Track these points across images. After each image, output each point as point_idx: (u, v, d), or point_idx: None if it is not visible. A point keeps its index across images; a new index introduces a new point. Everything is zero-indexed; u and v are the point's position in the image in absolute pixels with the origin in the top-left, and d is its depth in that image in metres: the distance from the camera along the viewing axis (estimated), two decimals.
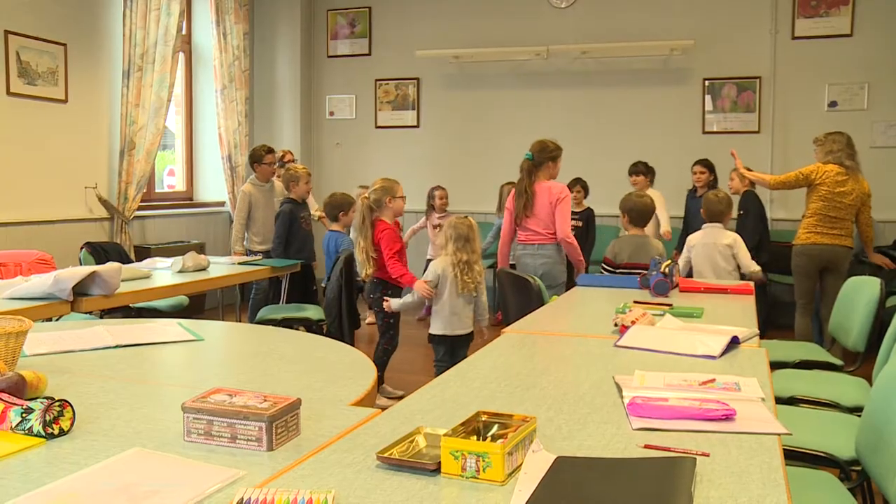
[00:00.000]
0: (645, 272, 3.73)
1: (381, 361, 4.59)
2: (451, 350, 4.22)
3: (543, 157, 4.68)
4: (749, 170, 5.74)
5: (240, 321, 5.59)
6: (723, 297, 3.62)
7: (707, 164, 6.44)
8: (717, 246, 4.64)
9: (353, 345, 2.96)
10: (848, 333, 3.46)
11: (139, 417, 1.65)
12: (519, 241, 4.73)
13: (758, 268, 4.63)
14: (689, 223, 6.16)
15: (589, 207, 6.84)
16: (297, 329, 4.76)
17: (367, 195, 4.67)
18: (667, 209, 6.25)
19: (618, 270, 4.45)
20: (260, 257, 5.54)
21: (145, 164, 6.58)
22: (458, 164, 7.91)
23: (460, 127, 8.01)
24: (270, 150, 6.11)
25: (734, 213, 5.44)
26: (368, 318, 6.49)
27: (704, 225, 4.81)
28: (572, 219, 6.09)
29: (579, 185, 6.83)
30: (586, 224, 6.70)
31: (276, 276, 5.36)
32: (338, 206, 5.24)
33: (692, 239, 4.79)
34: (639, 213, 4.58)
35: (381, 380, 4.55)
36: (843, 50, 6.93)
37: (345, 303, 4.59)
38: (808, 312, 5.31)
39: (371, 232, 4.57)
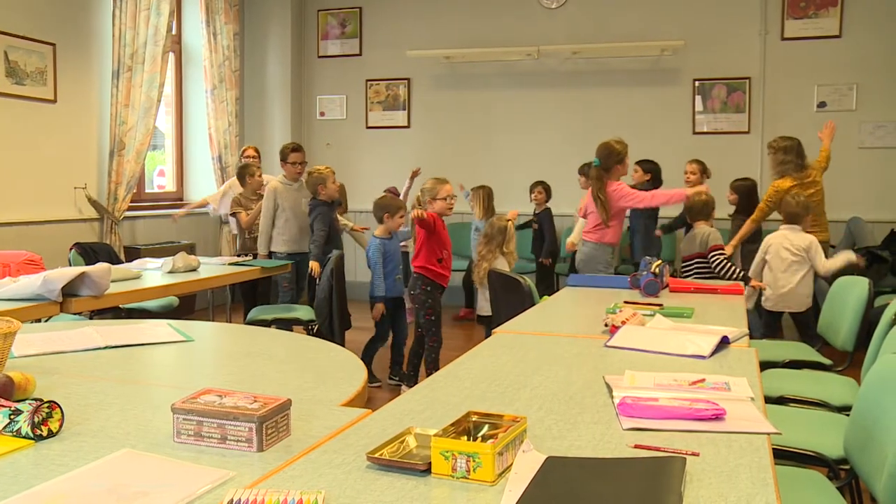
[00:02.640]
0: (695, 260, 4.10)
1: (432, 360, 4.69)
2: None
3: (611, 162, 4.70)
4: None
5: (230, 321, 5.58)
6: (713, 297, 3.63)
7: (645, 165, 6.51)
8: (793, 248, 4.77)
9: (343, 345, 2.96)
10: (837, 333, 3.48)
11: (129, 418, 1.64)
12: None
13: (833, 268, 4.74)
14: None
15: (548, 208, 6.95)
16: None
17: (418, 195, 4.99)
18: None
19: (683, 264, 4.80)
20: (250, 257, 5.52)
21: (135, 164, 6.56)
22: (449, 165, 7.89)
23: (451, 127, 8.02)
24: (297, 148, 5.82)
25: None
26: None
27: (782, 227, 4.94)
28: (532, 220, 6.47)
29: (541, 187, 6.97)
30: (541, 225, 6.93)
31: (272, 276, 5.33)
32: (384, 208, 4.98)
33: (770, 239, 4.92)
34: (689, 209, 4.96)
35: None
36: (831, 51, 6.96)
37: (335, 303, 4.59)
38: None
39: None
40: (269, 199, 5.63)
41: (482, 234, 4.73)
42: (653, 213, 6.31)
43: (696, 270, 4.79)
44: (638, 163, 6.52)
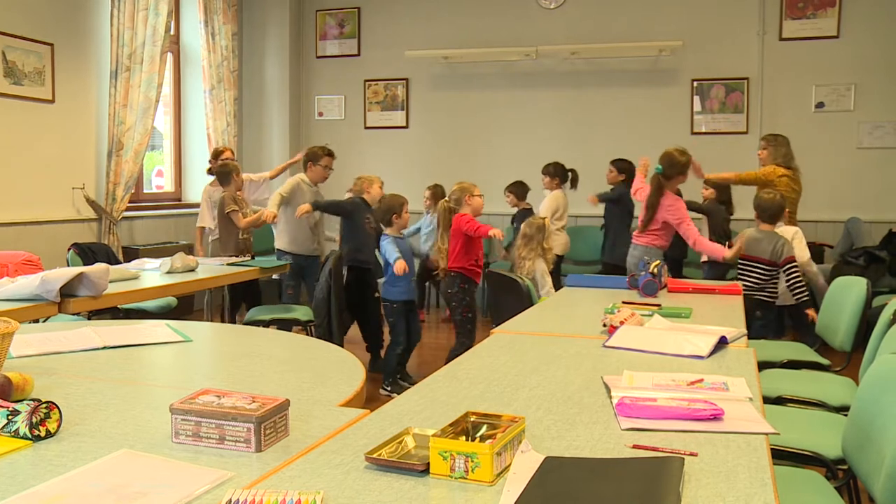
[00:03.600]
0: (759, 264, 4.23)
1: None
2: None
3: (674, 171, 4.70)
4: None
5: (230, 322, 5.57)
6: (711, 297, 3.63)
7: (619, 164, 6.56)
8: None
9: (341, 345, 2.96)
10: (835, 333, 3.48)
11: (127, 419, 1.64)
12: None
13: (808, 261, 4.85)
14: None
15: (524, 208, 6.89)
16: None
17: (447, 199, 4.96)
18: (555, 215, 6.39)
19: (741, 262, 4.72)
20: (249, 258, 5.52)
21: (133, 164, 6.55)
22: (448, 165, 7.90)
23: (450, 127, 8.02)
24: (332, 153, 5.69)
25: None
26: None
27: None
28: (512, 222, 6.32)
29: (513, 188, 6.98)
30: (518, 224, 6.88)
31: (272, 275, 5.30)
32: (389, 210, 4.94)
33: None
34: (764, 210, 4.86)
35: None
36: (829, 51, 6.97)
37: (333, 304, 4.59)
38: None
39: (449, 227, 4.83)
40: (290, 186, 5.50)
41: (520, 234, 4.76)
42: (627, 214, 6.36)
43: (759, 275, 4.58)
44: (612, 162, 6.59)
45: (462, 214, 4.79)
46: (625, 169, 6.49)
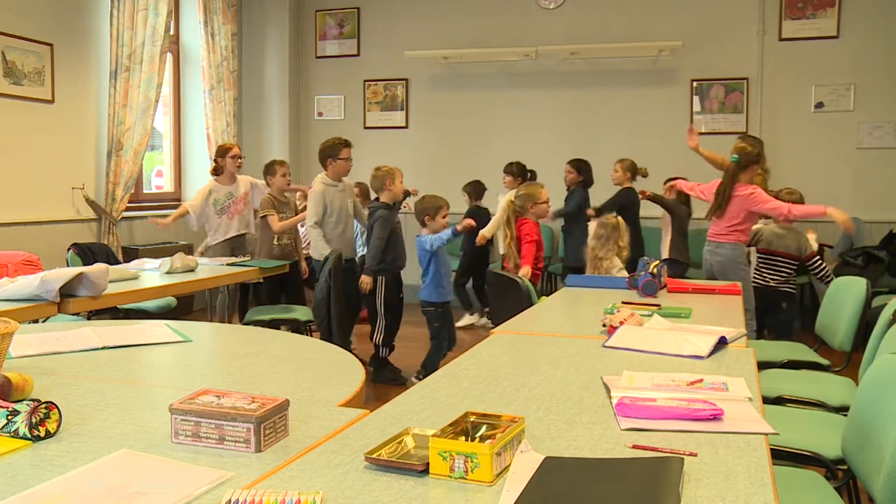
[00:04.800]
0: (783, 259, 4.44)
1: None
2: None
3: (749, 160, 4.73)
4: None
5: (230, 322, 5.57)
6: (710, 297, 3.63)
7: (576, 164, 6.62)
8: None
9: (341, 346, 2.95)
10: (834, 333, 3.48)
11: (126, 419, 1.64)
12: (707, 237, 4.92)
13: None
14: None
15: (476, 206, 6.92)
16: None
17: (513, 199, 4.95)
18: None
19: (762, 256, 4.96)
20: (248, 258, 5.51)
21: (133, 164, 6.55)
22: (447, 165, 7.90)
23: (449, 128, 8.02)
24: (349, 143, 5.31)
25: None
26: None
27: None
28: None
29: (469, 188, 7.01)
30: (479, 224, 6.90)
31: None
32: (423, 211, 4.87)
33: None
34: None
35: None
36: (829, 51, 6.97)
37: (333, 304, 4.59)
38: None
39: (514, 228, 4.81)
40: (318, 204, 5.18)
41: (594, 235, 4.78)
42: (579, 215, 6.42)
43: (783, 268, 4.95)
44: (570, 162, 6.65)
45: (525, 221, 4.79)
46: (583, 169, 6.59)
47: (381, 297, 5.08)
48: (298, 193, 6.34)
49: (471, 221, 4.90)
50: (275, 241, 5.47)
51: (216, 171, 5.73)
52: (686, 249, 5.97)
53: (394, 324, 5.14)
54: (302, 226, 5.72)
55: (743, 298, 4.67)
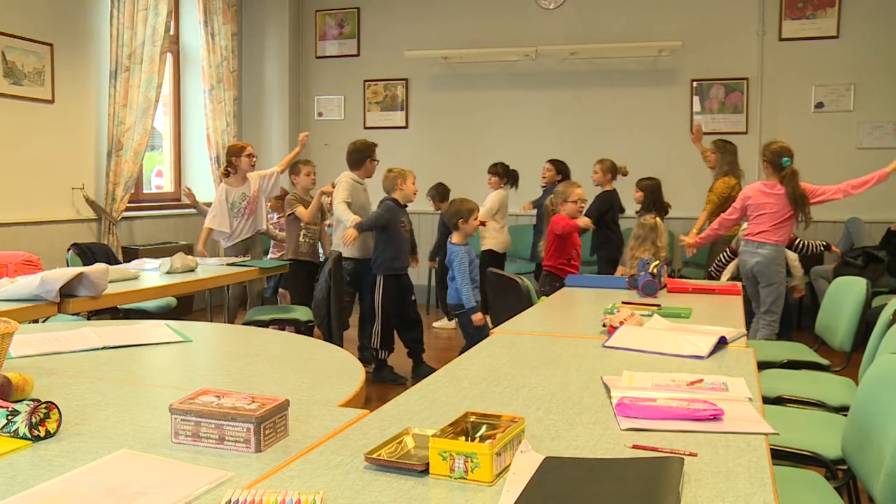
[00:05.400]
0: None
1: None
2: None
3: (792, 159, 4.91)
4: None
5: (231, 322, 5.57)
6: (710, 297, 3.63)
7: (556, 164, 6.70)
8: None
9: (341, 346, 2.96)
10: (834, 333, 3.48)
11: (126, 419, 1.64)
12: (743, 237, 4.97)
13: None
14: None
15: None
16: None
17: (550, 201, 5.01)
18: (499, 213, 6.55)
19: None
20: (248, 257, 5.51)
21: (133, 164, 6.55)
22: (447, 165, 7.90)
23: (449, 128, 8.02)
24: (376, 145, 5.44)
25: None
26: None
27: None
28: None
29: (434, 191, 7.05)
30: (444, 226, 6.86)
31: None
32: (457, 214, 4.81)
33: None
34: None
35: None
36: (829, 51, 6.97)
37: (333, 304, 4.59)
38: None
39: (549, 224, 4.91)
40: (346, 189, 5.21)
41: (633, 235, 4.82)
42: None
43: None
44: (550, 161, 6.71)
45: (559, 216, 4.84)
46: (562, 169, 6.65)
47: (380, 298, 5.06)
48: (327, 200, 6.25)
49: (480, 319, 4.79)
50: (301, 239, 5.41)
51: (228, 172, 5.65)
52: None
53: (390, 326, 5.10)
54: (329, 226, 5.76)
55: (772, 302, 4.85)
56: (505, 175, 6.70)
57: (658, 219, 4.77)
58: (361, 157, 5.33)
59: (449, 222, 4.94)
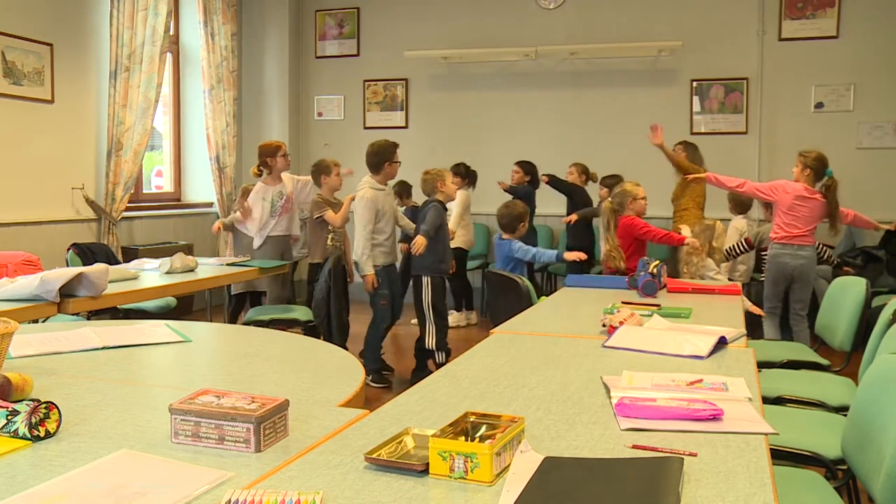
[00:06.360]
0: None
1: None
2: None
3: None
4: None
5: (231, 323, 5.57)
6: (710, 297, 3.63)
7: (524, 166, 6.84)
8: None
9: (341, 346, 2.96)
10: (834, 333, 3.49)
11: (126, 419, 1.64)
12: (778, 241, 5.00)
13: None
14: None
15: (412, 206, 6.97)
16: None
17: (609, 199, 4.96)
18: (464, 212, 6.72)
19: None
20: (248, 257, 5.50)
21: (133, 164, 6.55)
22: (447, 165, 7.86)
23: (449, 128, 8.02)
24: (397, 145, 5.26)
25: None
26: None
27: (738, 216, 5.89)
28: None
29: (398, 187, 7.06)
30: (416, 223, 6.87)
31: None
32: (518, 218, 4.80)
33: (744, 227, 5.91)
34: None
35: None
36: (829, 51, 6.97)
37: (333, 304, 4.59)
38: None
39: (615, 230, 4.85)
40: (370, 210, 4.98)
41: (691, 236, 4.85)
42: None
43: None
44: (518, 163, 6.80)
45: (631, 218, 4.82)
46: (530, 171, 6.77)
47: (428, 300, 4.95)
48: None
49: (581, 255, 4.82)
50: (329, 242, 5.26)
51: (260, 172, 5.52)
52: (589, 238, 6.42)
53: (444, 326, 4.99)
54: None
55: (801, 300, 5.00)
56: (467, 175, 6.83)
57: (718, 221, 4.79)
58: (379, 160, 5.10)
59: (508, 226, 4.83)
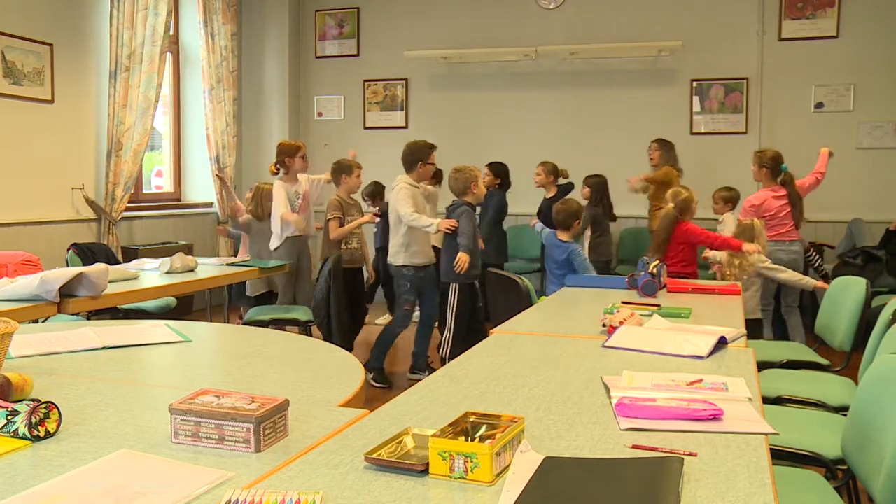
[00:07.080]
0: None
1: None
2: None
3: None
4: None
5: (229, 322, 5.57)
6: (710, 297, 3.63)
7: (494, 168, 6.74)
8: None
9: (342, 346, 2.95)
10: (834, 333, 3.49)
11: (126, 419, 1.64)
12: (772, 239, 5.17)
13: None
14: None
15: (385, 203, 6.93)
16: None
17: (671, 205, 4.94)
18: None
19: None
20: (248, 257, 5.50)
21: (133, 164, 6.55)
22: (447, 165, 7.85)
23: (449, 128, 8.01)
24: (434, 147, 5.19)
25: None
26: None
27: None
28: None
29: (374, 193, 7.09)
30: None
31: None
32: (574, 215, 4.75)
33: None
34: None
35: None
36: (829, 51, 6.98)
37: (333, 304, 4.59)
38: None
39: (674, 233, 4.86)
40: (410, 197, 4.92)
41: (732, 235, 4.86)
42: (498, 219, 6.58)
43: None
44: (488, 165, 6.73)
45: (688, 223, 4.85)
46: (500, 173, 6.71)
47: (454, 308, 4.88)
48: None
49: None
50: (344, 245, 5.23)
51: (277, 171, 5.48)
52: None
53: (461, 335, 4.88)
54: (376, 226, 5.73)
55: (792, 292, 5.18)
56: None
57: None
58: (413, 159, 5.04)
59: (563, 222, 4.76)
